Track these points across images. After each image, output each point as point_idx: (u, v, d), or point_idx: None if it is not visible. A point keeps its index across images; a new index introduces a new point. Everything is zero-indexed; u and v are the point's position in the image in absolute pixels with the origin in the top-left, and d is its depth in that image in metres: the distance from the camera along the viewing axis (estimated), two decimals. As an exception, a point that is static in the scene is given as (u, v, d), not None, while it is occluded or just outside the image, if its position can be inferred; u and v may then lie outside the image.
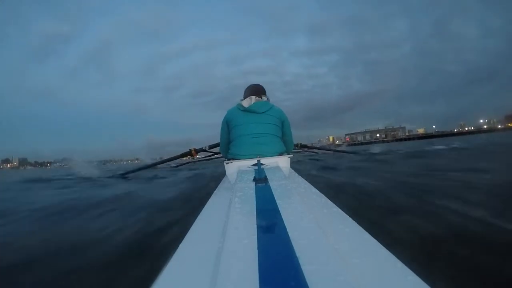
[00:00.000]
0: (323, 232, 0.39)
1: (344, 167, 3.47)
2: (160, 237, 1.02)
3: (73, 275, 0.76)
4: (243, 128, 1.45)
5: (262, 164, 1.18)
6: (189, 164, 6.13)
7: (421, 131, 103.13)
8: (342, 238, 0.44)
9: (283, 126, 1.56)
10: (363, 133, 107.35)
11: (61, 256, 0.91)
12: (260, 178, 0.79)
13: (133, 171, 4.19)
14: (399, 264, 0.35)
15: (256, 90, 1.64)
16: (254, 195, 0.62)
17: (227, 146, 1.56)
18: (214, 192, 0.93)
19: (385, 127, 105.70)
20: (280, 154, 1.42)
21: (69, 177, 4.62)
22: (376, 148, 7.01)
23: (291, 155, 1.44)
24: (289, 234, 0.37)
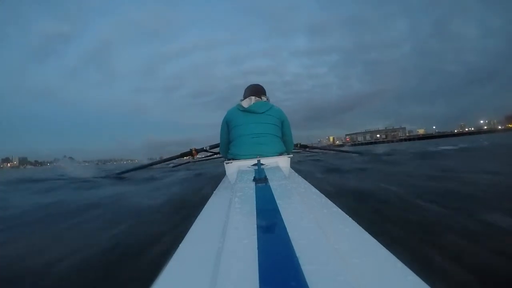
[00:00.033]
0: (323, 232, 0.39)
1: (350, 169, 3.18)
2: (137, 260, 0.83)
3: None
4: (243, 128, 1.45)
5: (262, 164, 1.18)
6: (189, 164, 6.05)
7: (421, 131, 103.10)
8: (342, 238, 0.44)
9: (283, 126, 1.56)
10: (363, 133, 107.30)
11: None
12: (260, 178, 0.79)
13: (127, 171, 4.06)
14: (399, 264, 0.35)
15: (256, 90, 1.64)
16: (254, 195, 0.62)
17: (227, 146, 1.56)
18: (214, 192, 0.93)
19: (386, 128, 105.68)
20: (280, 154, 1.42)
21: (61, 177, 4.44)
22: (380, 149, 6.83)
23: (291, 155, 1.44)
24: (289, 234, 0.37)
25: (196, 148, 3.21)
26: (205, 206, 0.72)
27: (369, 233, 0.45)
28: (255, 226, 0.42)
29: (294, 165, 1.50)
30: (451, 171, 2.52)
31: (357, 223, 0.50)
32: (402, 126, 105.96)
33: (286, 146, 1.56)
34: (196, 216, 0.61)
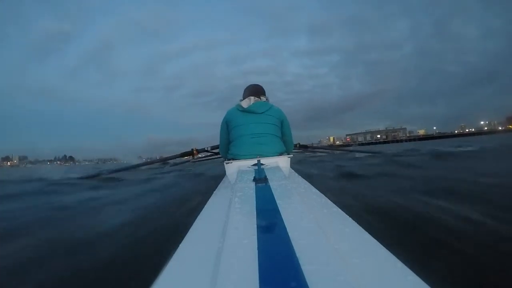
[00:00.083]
0: (323, 232, 0.39)
1: (368, 173, 2.56)
2: None
3: None
4: (243, 128, 1.45)
5: (262, 164, 1.18)
6: (189, 163, 5.93)
7: (421, 132, 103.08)
8: (342, 238, 0.44)
9: (283, 126, 1.56)
10: (364, 133, 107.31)
11: None
12: (260, 178, 0.79)
13: (117, 171, 3.62)
14: (399, 264, 0.35)
15: (255, 90, 1.64)
16: (254, 195, 0.62)
17: (226, 147, 1.56)
18: (214, 192, 0.93)
19: (386, 128, 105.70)
20: (280, 154, 1.42)
21: (40, 179, 3.83)
22: (389, 149, 6.41)
23: (291, 155, 1.44)
24: (289, 234, 0.37)
25: (197, 148, 3.21)
26: (205, 206, 0.72)
27: (369, 233, 0.45)
28: (255, 226, 0.42)
29: (296, 166, 1.46)
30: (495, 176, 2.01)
31: (357, 223, 0.50)
32: (403, 127, 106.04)
33: (286, 146, 1.56)
34: (196, 216, 0.61)
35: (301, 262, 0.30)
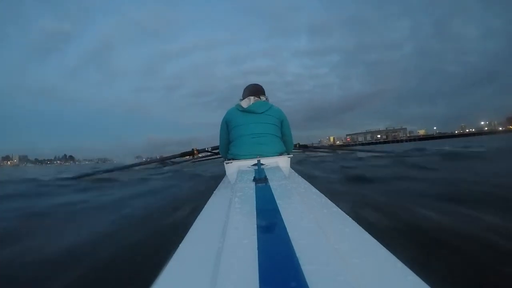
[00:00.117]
0: (323, 232, 0.39)
1: (379, 175, 2.27)
2: None
3: None
4: (243, 128, 1.45)
5: (262, 164, 1.18)
6: (189, 163, 5.85)
7: (422, 132, 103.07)
8: (342, 238, 0.44)
9: (282, 126, 1.57)
10: (364, 133, 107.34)
11: None
12: (260, 178, 0.79)
13: (92, 174, 3.49)
14: (399, 264, 0.35)
15: (255, 90, 1.64)
16: (254, 195, 0.62)
17: (226, 147, 1.56)
18: (214, 192, 0.93)
19: (386, 128, 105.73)
20: (280, 154, 1.42)
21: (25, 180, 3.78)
22: (392, 149, 6.08)
23: (291, 155, 1.44)
24: (289, 234, 0.37)
25: (198, 148, 3.22)
26: (205, 206, 0.72)
27: (369, 233, 0.45)
28: (255, 226, 0.42)
29: (297, 167, 1.44)
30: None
31: (357, 223, 0.50)
32: (403, 127, 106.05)
33: (286, 146, 1.56)
34: (196, 216, 0.61)
35: (301, 262, 0.30)
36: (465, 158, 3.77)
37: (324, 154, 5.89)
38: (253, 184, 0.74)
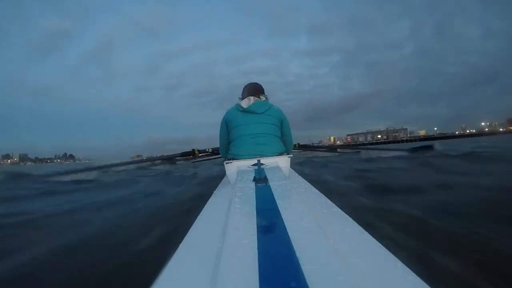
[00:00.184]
0: (323, 232, 0.39)
1: (414, 183, 1.83)
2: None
3: None
4: (242, 128, 1.45)
5: (262, 164, 1.18)
6: (189, 163, 5.74)
7: (422, 133, 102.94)
8: (342, 238, 0.44)
9: (282, 126, 1.56)
10: (365, 134, 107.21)
11: None
12: (260, 178, 0.79)
13: (85, 169, 3.42)
14: (399, 264, 0.35)
15: (255, 90, 1.63)
16: (254, 195, 0.62)
17: (226, 147, 1.56)
18: (214, 192, 0.93)
19: (387, 128, 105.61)
20: (280, 154, 1.42)
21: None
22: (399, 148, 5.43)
23: (291, 155, 1.44)
24: (289, 234, 0.37)
25: (198, 149, 3.23)
26: (205, 206, 0.72)
27: (369, 233, 0.45)
28: (255, 226, 0.42)
29: (297, 167, 1.43)
30: None
31: (357, 223, 0.50)
32: (404, 127, 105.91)
33: (286, 146, 1.56)
34: (196, 216, 0.61)
35: (301, 262, 0.30)
36: (487, 159, 3.40)
37: (327, 154, 5.68)
38: (253, 184, 0.74)
